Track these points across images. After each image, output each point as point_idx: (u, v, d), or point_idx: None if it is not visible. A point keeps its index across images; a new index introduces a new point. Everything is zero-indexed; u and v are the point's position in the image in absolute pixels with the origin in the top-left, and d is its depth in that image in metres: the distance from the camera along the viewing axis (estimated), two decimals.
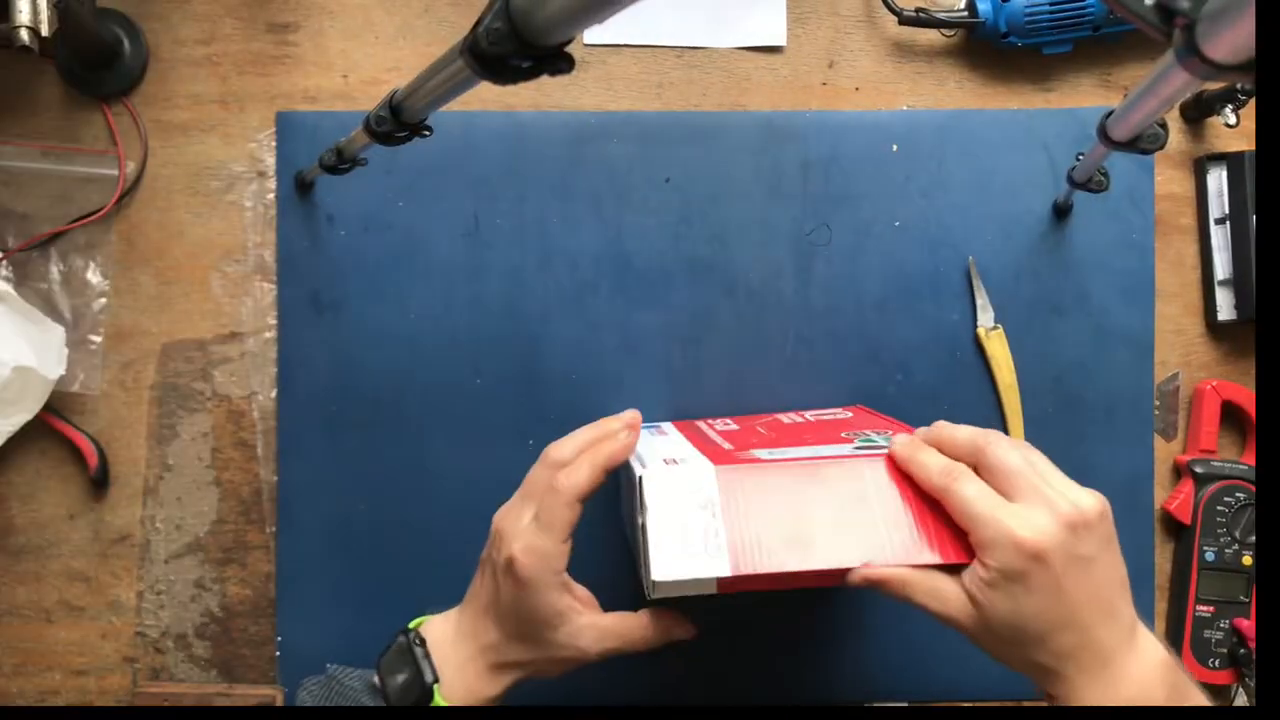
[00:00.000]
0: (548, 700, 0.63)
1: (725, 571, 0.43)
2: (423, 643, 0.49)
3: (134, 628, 0.64)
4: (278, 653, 0.63)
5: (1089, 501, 0.43)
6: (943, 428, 0.47)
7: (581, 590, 0.50)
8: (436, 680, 0.48)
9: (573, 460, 0.49)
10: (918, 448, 0.46)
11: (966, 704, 0.64)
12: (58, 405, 0.63)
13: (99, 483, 0.63)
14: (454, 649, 0.50)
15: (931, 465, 0.45)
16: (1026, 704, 0.65)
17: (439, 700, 0.48)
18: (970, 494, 0.43)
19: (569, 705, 0.63)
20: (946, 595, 0.43)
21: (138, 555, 0.64)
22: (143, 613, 0.64)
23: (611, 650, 0.49)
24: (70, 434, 0.63)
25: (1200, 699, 0.43)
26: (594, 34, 0.65)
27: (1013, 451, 0.44)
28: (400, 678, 0.49)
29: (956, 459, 0.45)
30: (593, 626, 0.49)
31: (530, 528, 0.48)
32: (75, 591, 0.64)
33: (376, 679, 0.50)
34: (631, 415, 0.51)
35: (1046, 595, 0.41)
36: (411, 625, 0.51)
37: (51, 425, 0.63)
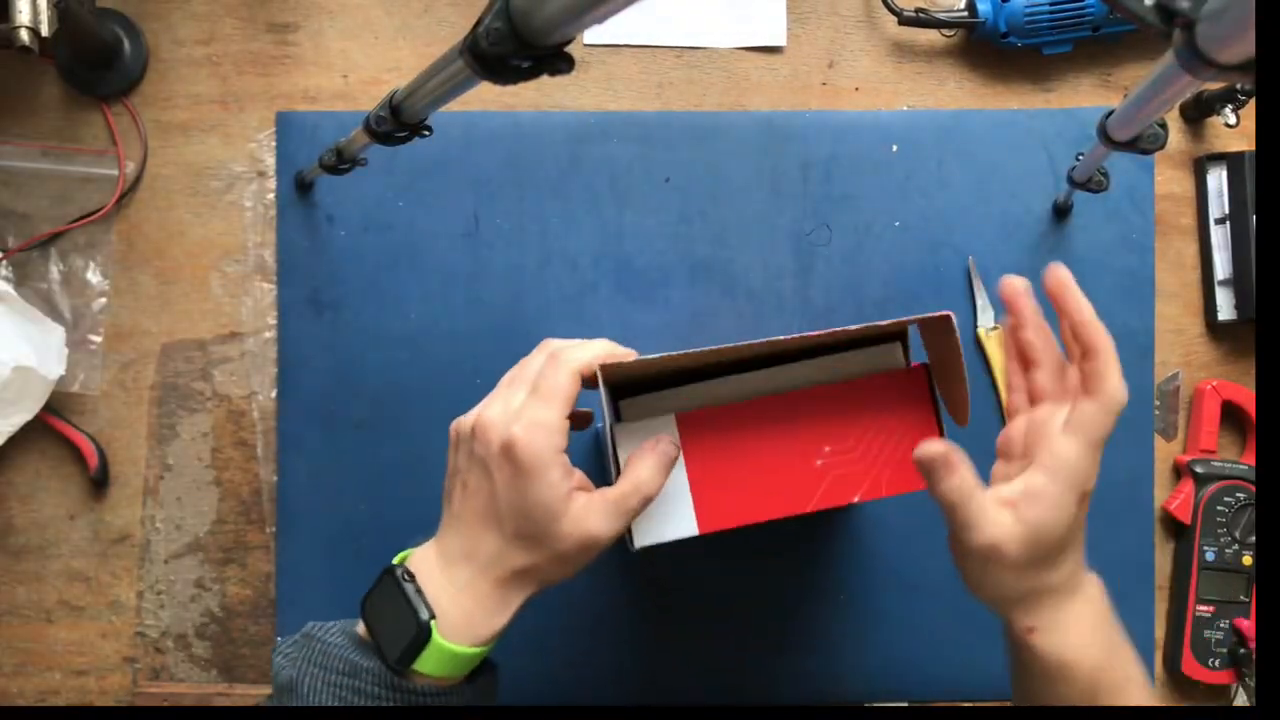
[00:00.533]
0: (549, 699, 0.63)
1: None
2: (412, 577, 0.44)
3: (134, 628, 0.64)
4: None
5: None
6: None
7: (580, 474, 0.45)
8: (433, 616, 0.43)
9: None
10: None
11: (966, 704, 0.64)
12: (58, 405, 0.63)
13: (99, 483, 0.63)
14: (447, 577, 0.44)
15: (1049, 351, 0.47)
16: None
17: (436, 640, 0.42)
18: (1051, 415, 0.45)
19: (569, 705, 0.63)
20: (987, 508, 0.43)
21: (138, 555, 0.64)
22: (143, 613, 0.64)
23: (622, 517, 0.44)
24: (70, 434, 0.63)
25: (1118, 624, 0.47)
26: (594, 34, 0.65)
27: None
28: (390, 622, 0.43)
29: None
30: (593, 501, 0.44)
31: (528, 405, 0.43)
32: (75, 591, 0.64)
33: (361, 628, 0.45)
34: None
35: (1076, 514, 0.43)
36: (397, 560, 0.46)
37: (51, 425, 0.63)
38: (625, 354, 0.46)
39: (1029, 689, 0.47)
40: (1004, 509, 0.43)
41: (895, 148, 0.65)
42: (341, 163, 0.56)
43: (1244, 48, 0.30)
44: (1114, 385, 0.43)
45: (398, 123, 0.47)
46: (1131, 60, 0.67)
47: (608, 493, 0.44)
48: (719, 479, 0.47)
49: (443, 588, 0.44)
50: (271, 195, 0.64)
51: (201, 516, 0.64)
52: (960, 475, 0.43)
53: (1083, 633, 0.45)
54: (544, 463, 0.42)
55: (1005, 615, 0.46)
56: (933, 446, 0.43)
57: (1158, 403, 0.66)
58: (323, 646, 0.44)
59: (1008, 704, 0.64)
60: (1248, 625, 0.63)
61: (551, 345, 0.47)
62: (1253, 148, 0.65)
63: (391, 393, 0.63)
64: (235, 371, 0.64)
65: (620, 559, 0.62)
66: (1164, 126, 0.49)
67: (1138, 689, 0.46)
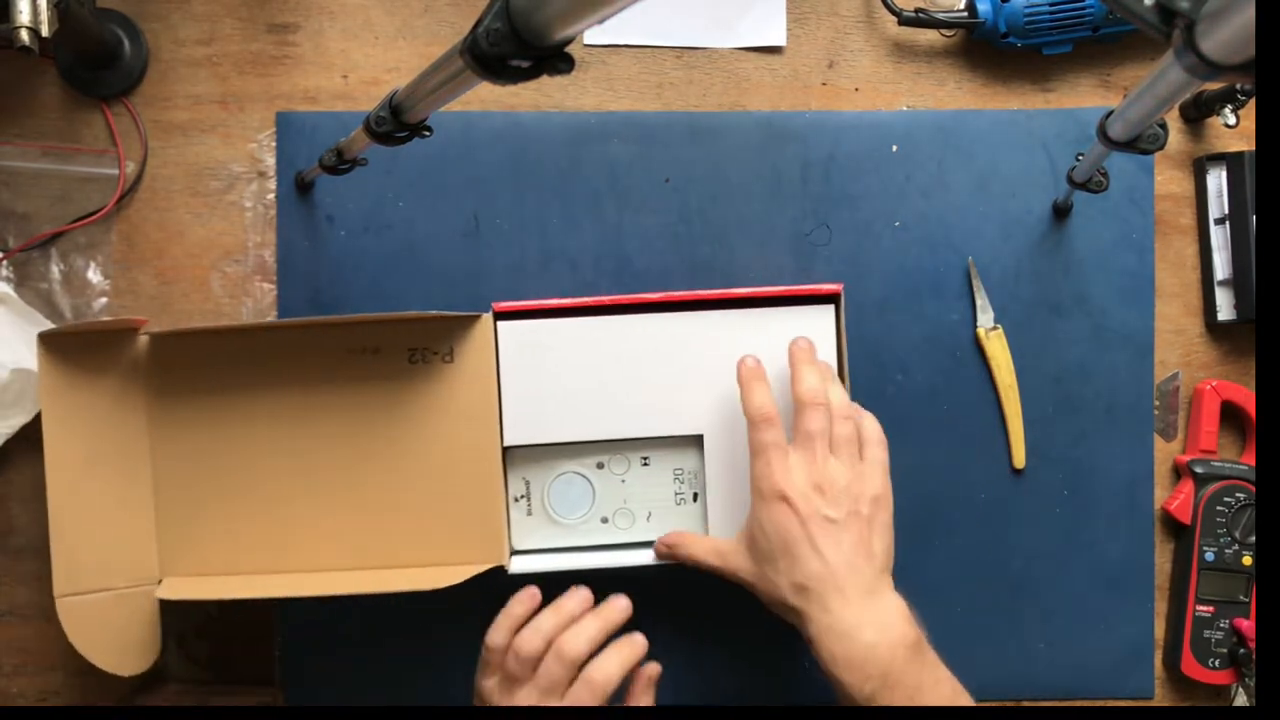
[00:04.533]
0: None
1: None
2: None
3: None
4: (278, 653, 0.63)
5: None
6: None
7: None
8: None
9: (594, 654, 0.53)
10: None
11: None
12: None
13: None
14: None
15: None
16: (1026, 704, 0.65)
17: None
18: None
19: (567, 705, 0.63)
20: (723, 549, 0.56)
21: None
22: None
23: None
24: None
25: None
26: (594, 34, 0.65)
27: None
28: None
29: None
30: None
31: None
32: None
33: None
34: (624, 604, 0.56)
35: (772, 516, 0.54)
36: None
37: None
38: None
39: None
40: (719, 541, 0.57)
41: (895, 148, 0.65)
42: (341, 163, 0.56)
43: (1244, 48, 0.30)
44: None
45: (398, 123, 0.47)
46: (1131, 60, 0.67)
47: None
48: None
49: None
50: (271, 195, 0.64)
51: None
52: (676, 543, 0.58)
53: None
54: None
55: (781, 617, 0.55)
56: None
57: (1158, 403, 0.66)
58: None
59: (1008, 704, 0.64)
60: (1248, 625, 0.63)
61: (565, 653, 0.53)
62: (1253, 148, 0.65)
63: None
64: None
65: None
66: (1164, 126, 0.49)
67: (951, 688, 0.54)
